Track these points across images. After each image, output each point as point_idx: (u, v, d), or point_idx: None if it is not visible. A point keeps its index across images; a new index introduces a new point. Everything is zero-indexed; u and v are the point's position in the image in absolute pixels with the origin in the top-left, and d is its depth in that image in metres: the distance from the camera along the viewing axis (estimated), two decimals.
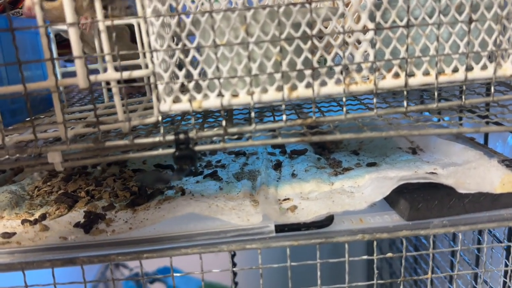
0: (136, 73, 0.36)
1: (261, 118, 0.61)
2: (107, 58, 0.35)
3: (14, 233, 0.42)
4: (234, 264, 0.79)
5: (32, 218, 0.44)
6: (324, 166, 0.53)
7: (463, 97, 0.38)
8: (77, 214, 0.45)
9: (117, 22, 0.36)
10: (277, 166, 0.54)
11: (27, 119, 0.54)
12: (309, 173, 0.50)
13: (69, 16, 0.33)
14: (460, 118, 0.47)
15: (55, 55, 0.58)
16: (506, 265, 0.49)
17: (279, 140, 0.37)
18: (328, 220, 0.40)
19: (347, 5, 0.44)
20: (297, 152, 0.58)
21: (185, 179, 0.53)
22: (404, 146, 0.59)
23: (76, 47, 0.34)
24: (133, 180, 0.52)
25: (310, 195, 0.45)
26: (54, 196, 0.51)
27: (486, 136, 0.61)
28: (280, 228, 0.40)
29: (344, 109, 0.37)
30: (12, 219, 0.46)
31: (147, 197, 0.48)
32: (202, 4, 0.47)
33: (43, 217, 0.45)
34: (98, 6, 0.34)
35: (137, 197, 0.47)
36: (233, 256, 0.77)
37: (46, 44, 0.34)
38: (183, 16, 0.35)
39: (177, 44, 0.36)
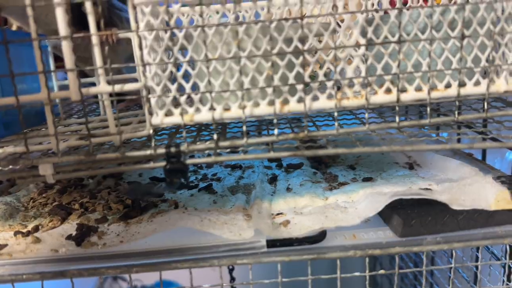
0: (128, 87, 0.36)
1: (259, 131, 0.61)
2: (99, 71, 0.35)
3: (6, 245, 0.42)
4: (233, 279, 0.78)
5: (25, 230, 0.44)
6: (319, 180, 0.53)
7: (455, 112, 0.37)
8: (70, 227, 0.45)
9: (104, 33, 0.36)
10: (273, 180, 0.54)
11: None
12: (304, 188, 0.49)
13: (62, 29, 0.34)
14: (458, 134, 0.47)
15: (52, 67, 0.59)
16: (505, 283, 0.48)
17: (272, 154, 0.37)
18: (321, 235, 0.40)
19: (341, 21, 0.44)
20: (293, 166, 0.58)
21: (180, 192, 0.53)
22: (401, 161, 0.59)
23: (68, 60, 0.34)
24: (122, 193, 0.52)
25: (304, 209, 0.45)
26: (49, 208, 0.50)
27: (484, 152, 0.60)
28: (271, 243, 0.39)
29: (336, 123, 0.37)
30: (5, 231, 0.45)
31: (141, 210, 0.47)
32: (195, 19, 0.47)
33: (36, 229, 0.45)
34: (91, 20, 0.34)
35: (130, 210, 0.47)
36: (231, 270, 0.77)
37: (39, 56, 0.34)
38: (175, 30, 0.35)
39: (169, 58, 0.36)
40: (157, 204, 0.49)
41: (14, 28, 0.57)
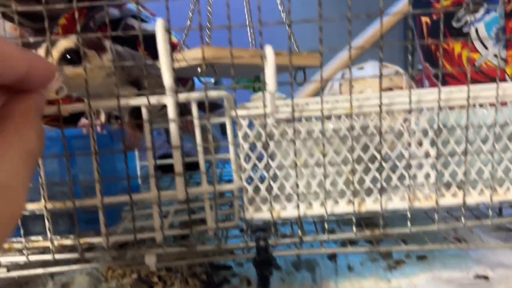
0: (225, 187, 0.42)
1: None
2: (203, 176, 0.41)
3: None
4: None
5: None
6: (376, 258, 0.57)
7: None
8: None
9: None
10: (332, 256, 0.58)
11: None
12: (365, 267, 0.53)
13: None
14: None
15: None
16: None
17: (350, 249, 0.42)
18: None
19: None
20: (351, 242, 0.62)
21: (247, 266, 0.57)
22: (450, 236, 0.62)
23: (178, 165, 0.40)
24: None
25: None
26: (128, 279, 0.55)
27: None
28: None
29: (409, 223, 0.41)
30: None
31: (215, 286, 0.52)
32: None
33: None
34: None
35: (206, 286, 0.52)
36: None
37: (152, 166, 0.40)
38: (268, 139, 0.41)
39: (260, 161, 0.42)
40: (229, 280, 0.53)
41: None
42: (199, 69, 0.49)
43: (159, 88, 0.37)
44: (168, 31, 0.36)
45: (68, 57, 0.41)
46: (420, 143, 0.41)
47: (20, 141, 0.22)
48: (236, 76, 0.79)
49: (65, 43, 0.41)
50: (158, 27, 0.35)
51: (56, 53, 0.40)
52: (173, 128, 0.39)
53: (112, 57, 0.46)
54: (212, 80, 0.96)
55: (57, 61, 0.41)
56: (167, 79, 0.36)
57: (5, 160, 0.20)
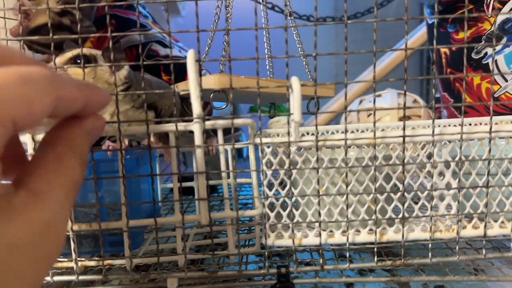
0: (248, 213, 0.42)
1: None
2: (226, 202, 0.41)
3: None
4: None
5: None
6: (394, 287, 0.56)
7: None
8: None
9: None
10: (350, 284, 0.58)
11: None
12: None
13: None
14: None
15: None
16: None
17: (370, 279, 0.42)
18: None
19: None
20: (370, 271, 0.61)
21: None
22: (469, 268, 0.62)
23: (202, 190, 0.41)
24: None
25: None
26: None
27: None
28: None
29: (430, 254, 0.42)
30: None
31: None
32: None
33: None
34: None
35: None
36: None
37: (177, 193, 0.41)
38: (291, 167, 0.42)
39: (282, 188, 0.42)
40: None
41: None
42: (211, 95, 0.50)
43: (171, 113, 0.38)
44: (198, 61, 0.37)
45: (78, 61, 0.45)
46: (441, 174, 0.41)
47: (62, 172, 0.21)
48: (251, 102, 0.80)
49: (79, 50, 0.44)
50: (189, 58, 0.37)
51: (63, 58, 0.44)
52: (199, 153, 0.40)
53: (127, 76, 0.48)
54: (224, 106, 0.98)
55: (66, 59, 0.44)
56: (196, 107, 0.38)
57: (49, 196, 0.20)
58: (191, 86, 0.37)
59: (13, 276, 0.18)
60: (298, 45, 0.61)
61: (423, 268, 0.63)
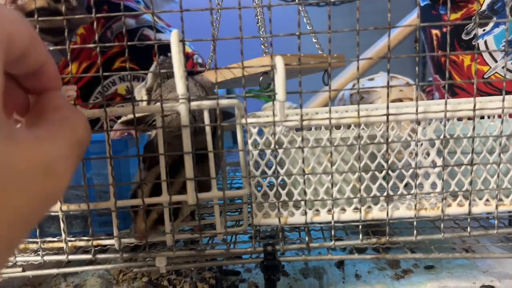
0: (234, 193, 0.43)
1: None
2: (213, 182, 0.42)
3: None
4: None
5: None
6: (384, 266, 0.57)
7: None
8: None
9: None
10: (340, 264, 0.58)
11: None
12: (372, 276, 0.54)
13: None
14: None
15: None
16: None
17: (356, 256, 0.42)
18: None
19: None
20: (358, 250, 0.62)
21: (255, 272, 0.58)
22: (458, 246, 0.62)
23: (189, 171, 0.41)
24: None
25: None
26: (138, 283, 0.56)
27: None
28: None
29: (415, 231, 0.42)
30: None
31: None
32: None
33: None
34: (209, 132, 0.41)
35: None
36: None
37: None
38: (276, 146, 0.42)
39: (269, 168, 0.43)
40: (237, 285, 0.54)
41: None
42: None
43: None
44: (182, 41, 0.37)
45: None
46: (427, 153, 0.42)
47: (68, 128, 0.23)
48: (247, 85, 0.81)
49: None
50: (173, 38, 0.37)
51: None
52: (185, 134, 0.40)
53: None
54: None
55: None
56: (180, 87, 0.38)
57: (52, 144, 0.21)
58: (175, 66, 0.37)
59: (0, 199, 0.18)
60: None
61: (412, 247, 0.63)
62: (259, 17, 0.70)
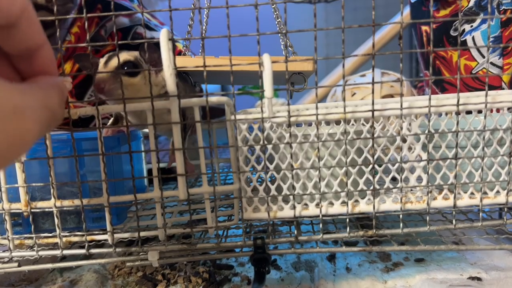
0: (225, 188, 0.44)
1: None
2: (204, 178, 0.43)
3: None
4: None
5: None
6: (375, 260, 0.58)
7: (504, 218, 0.43)
8: None
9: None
10: (331, 257, 0.60)
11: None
12: (362, 269, 0.55)
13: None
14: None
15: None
16: None
17: (344, 249, 0.43)
18: None
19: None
20: (349, 244, 0.63)
21: (248, 266, 0.59)
22: (448, 240, 0.63)
23: (180, 168, 0.42)
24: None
25: None
26: (133, 277, 0.57)
27: None
28: None
29: (401, 224, 0.43)
30: None
31: (217, 284, 0.54)
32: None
33: None
34: (200, 133, 0.42)
35: (209, 284, 0.54)
36: None
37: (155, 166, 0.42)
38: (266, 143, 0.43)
39: (258, 164, 0.44)
40: (230, 279, 0.55)
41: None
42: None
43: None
44: (172, 39, 0.38)
45: (125, 68, 0.46)
46: (411, 148, 0.43)
47: (43, 92, 0.24)
48: (237, 83, 0.81)
49: (126, 55, 0.47)
50: (162, 36, 0.38)
51: (114, 62, 0.45)
52: (175, 131, 0.41)
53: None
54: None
55: (113, 68, 0.45)
56: (170, 84, 0.39)
57: (23, 94, 0.22)
58: (165, 64, 0.38)
59: None
60: (276, 23, 0.62)
61: (401, 240, 0.64)
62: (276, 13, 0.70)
